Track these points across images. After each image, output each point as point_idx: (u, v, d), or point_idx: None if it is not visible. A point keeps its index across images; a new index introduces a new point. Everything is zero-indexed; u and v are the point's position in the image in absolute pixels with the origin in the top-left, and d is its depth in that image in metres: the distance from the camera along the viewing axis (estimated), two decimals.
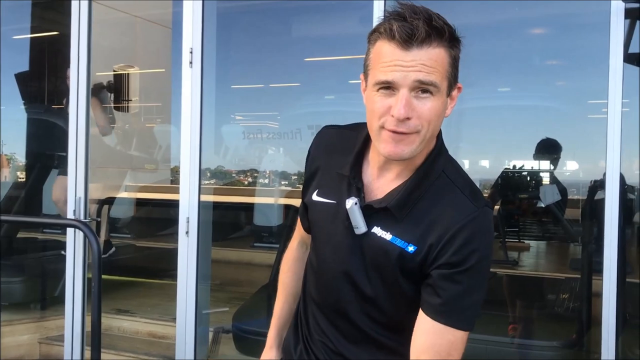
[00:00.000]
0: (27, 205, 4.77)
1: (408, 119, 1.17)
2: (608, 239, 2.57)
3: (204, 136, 3.35)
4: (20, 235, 4.89)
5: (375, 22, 2.87)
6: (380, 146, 1.23)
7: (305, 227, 1.51)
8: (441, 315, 1.23)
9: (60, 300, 3.77)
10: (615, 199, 2.57)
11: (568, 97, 4.93)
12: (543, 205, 4.97)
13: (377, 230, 1.28)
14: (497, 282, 4.46)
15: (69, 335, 3.60)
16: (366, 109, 1.25)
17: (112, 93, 5.28)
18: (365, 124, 1.31)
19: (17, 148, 5.33)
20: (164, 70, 6.18)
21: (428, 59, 1.16)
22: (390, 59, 1.16)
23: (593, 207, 3.87)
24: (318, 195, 1.39)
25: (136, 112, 5.75)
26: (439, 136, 1.31)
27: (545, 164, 5.40)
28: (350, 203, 1.29)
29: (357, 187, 1.31)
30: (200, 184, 3.33)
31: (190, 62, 3.31)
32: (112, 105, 5.28)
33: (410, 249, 1.24)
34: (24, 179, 5.12)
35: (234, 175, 6.88)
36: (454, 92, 1.25)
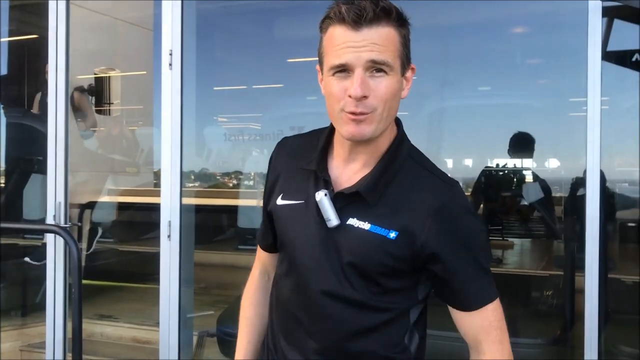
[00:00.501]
0: (7, 210, 4.70)
1: (365, 97, 1.19)
2: (590, 235, 2.58)
3: (185, 138, 3.33)
4: None
5: None
6: (343, 129, 1.25)
7: (269, 242, 1.49)
8: (471, 303, 1.28)
9: (41, 307, 3.73)
10: (595, 196, 2.59)
11: (548, 95, 4.96)
12: (527, 203, 5.00)
13: (353, 221, 1.26)
14: None
15: (51, 342, 3.56)
16: (325, 97, 1.27)
17: (93, 96, 5.24)
18: (323, 128, 1.37)
19: None
20: (145, 72, 6.13)
21: (379, 38, 1.19)
22: (342, 41, 1.19)
23: (574, 204, 3.90)
24: (283, 199, 1.37)
25: (118, 115, 5.70)
26: (400, 125, 1.35)
27: (528, 162, 5.44)
28: (320, 195, 1.27)
29: (324, 180, 1.30)
30: (181, 187, 3.30)
31: (170, 64, 3.28)
32: (94, 108, 5.24)
33: (392, 235, 1.23)
34: (4, 184, 5.05)
35: (218, 177, 6.84)
36: (409, 74, 1.28)
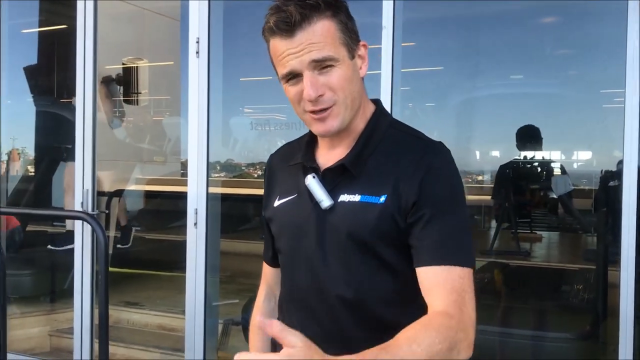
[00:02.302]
0: (36, 198, 4.77)
1: (320, 96, 1.21)
2: (626, 228, 2.51)
3: (212, 128, 3.33)
4: (29, 228, 4.90)
5: (384, 15, 2.84)
6: (312, 128, 1.28)
7: (272, 254, 1.47)
8: (442, 257, 1.18)
9: (69, 293, 3.77)
10: (633, 189, 2.51)
11: (581, 85, 4.86)
12: (555, 196, 4.92)
13: (344, 197, 1.26)
14: (510, 274, 4.42)
15: (78, 328, 3.60)
16: (290, 102, 1.27)
17: (121, 86, 5.27)
18: (309, 132, 1.38)
19: (27, 142, 5.32)
20: (172, 63, 6.16)
21: (314, 36, 1.19)
22: (282, 51, 1.20)
23: (606, 197, 3.81)
24: (279, 200, 1.38)
25: (145, 104, 5.74)
26: (379, 104, 1.36)
27: (556, 154, 5.34)
28: (309, 178, 1.29)
29: (312, 167, 1.32)
30: (208, 175, 3.31)
31: (197, 52, 3.28)
32: (122, 98, 5.28)
33: (382, 199, 1.23)
34: (34, 173, 5.12)
35: (243, 167, 6.86)
36: (361, 51, 1.28)
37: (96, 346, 3.48)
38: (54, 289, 4.47)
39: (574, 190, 4.85)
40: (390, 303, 1.26)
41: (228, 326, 3.69)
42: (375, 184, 1.25)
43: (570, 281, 4.28)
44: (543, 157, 4.97)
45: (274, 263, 1.49)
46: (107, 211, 4.34)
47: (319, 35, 1.19)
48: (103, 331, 2.77)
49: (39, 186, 4.84)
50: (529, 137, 4.56)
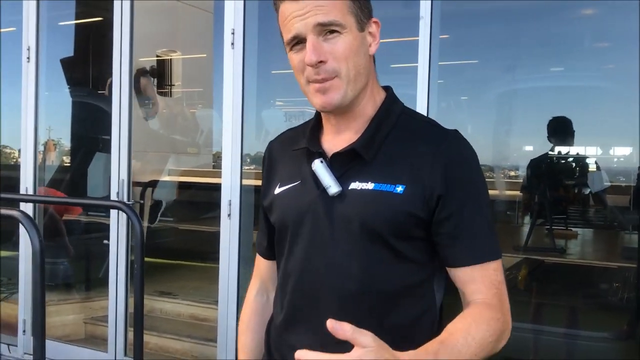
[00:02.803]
0: (72, 187, 4.85)
1: (323, 62, 1.15)
2: None
3: (246, 118, 3.33)
4: (65, 217, 4.98)
5: (422, 6, 2.80)
6: (313, 101, 1.20)
7: (267, 246, 1.40)
8: (478, 257, 1.17)
9: (104, 282, 3.83)
10: None
11: (620, 79, 4.74)
12: (592, 192, 4.81)
13: (355, 185, 1.19)
14: (545, 271, 4.35)
15: (113, 316, 3.66)
16: (294, 74, 1.22)
17: (155, 78, 5.32)
18: (310, 119, 1.33)
19: (63, 133, 5.41)
20: (205, 55, 6.19)
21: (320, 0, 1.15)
22: (289, 14, 1.16)
23: None
24: (280, 187, 1.30)
25: (178, 96, 5.78)
26: (390, 91, 1.30)
27: (592, 150, 5.22)
28: (316, 163, 1.21)
29: (318, 152, 1.24)
30: (242, 167, 3.32)
31: (232, 43, 3.28)
32: (155, 89, 5.33)
33: (399, 189, 1.16)
34: (69, 163, 5.20)
35: None
36: (372, 28, 1.23)
37: (130, 334, 3.54)
38: (89, 277, 4.55)
39: (611, 187, 4.74)
40: (396, 297, 1.20)
41: None
42: (389, 172, 1.18)
43: (608, 279, 4.19)
44: (578, 153, 4.87)
45: (269, 255, 1.41)
46: (142, 201, 4.39)
47: None
48: (138, 320, 2.81)
49: (75, 176, 4.91)
50: (560, 128, 4.46)
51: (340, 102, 1.19)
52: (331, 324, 0.92)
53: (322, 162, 1.21)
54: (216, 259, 3.38)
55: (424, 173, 1.16)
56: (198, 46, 6.22)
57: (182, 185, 5.57)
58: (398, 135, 1.22)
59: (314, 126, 1.30)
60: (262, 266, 1.45)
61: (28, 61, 3.97)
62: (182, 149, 5.88)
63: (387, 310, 1.20)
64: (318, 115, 1.31)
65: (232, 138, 3.31)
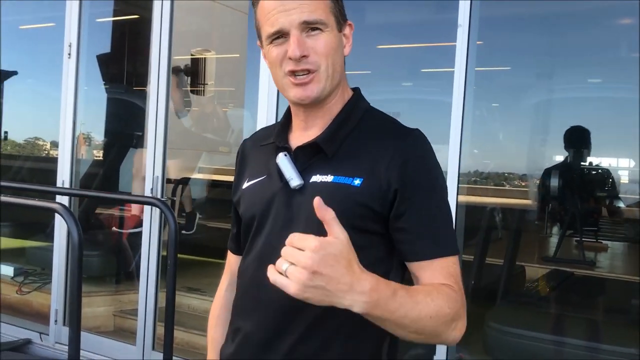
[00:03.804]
0: (105, 182, 4.93)
1: (305, 57, 1.20)
2: None
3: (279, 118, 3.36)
4: (97, 211, 5.08)
5: (460, 13, 2.80)
6: (290, 93, 1.24)
7: (237, 241, 1.42)
8: (436, 251, 1.19)
9: (134, 276, 3.89)
10: None
11: None
12: (623, 205, 4.75)
13: (316, 178, 1.22)
14: (573, 284, 4.30)
15: (142, 310, 3.71)
16: (269, 67, 1.27)
17: (189, 76, 5.39)
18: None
19: (94, 128, 5.50)
20: (238, 55, 6.25)
21: None
22: (273, 8, 1.20)
23: None
24: (248, 182, 1.34)
25: (211, 95, 5.85)
26: (358, 91, 1.34)
27: (624, 162, 5.14)
28: (280, 156, 1.25)
29: (284, 147, 1.28)
30: None
31: None
32: (189, 88, 5.39)
33: (357, 182, 1.19)
34: (101, 158, 5.29)
35: None
36: (347, 30, 1.28)
37: (159, 329, 3.59)
38: (119, 271, 4.62)
39: None
40: None
41: None
42: (349, 165, 1.21)
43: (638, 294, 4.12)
44: (610, 164, 4.81)
45: (237, 250, 1.44)
46: (174, 198, 4.45)
47: None
48: (169, 315, 2.85)
49: (108, 171, 5.00)
50: (576, 138, 4.42)
51: (317, 96, 1.23)
52: (317, 202, 0.99)
53: (285, 155, 1.25)
54: None
55: (383, 167, 1.19)
56: (232, 46, 6.28)
57: (213, 184, 5.63)
58: (361, 132, 1.26)
59: (284, 123, 1.34)
60: (232, 261, 1.47)
61: (69, 57, 4.05)
62: (214, 147, 5.94)
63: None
64: (288, 113, 1.35)
65: None
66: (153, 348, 3.68)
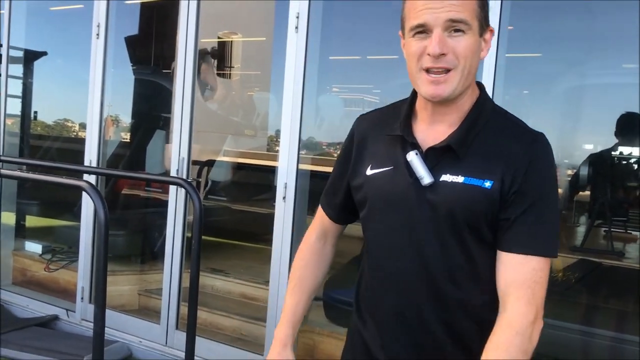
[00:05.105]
0: (132, 163, 4.98)
1: (443, 55, 1.24)
2: None
3: (305, 103, 3.35)
4: (124, 192, 5.13)
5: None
6: (422, 89, 1.29)
7: (338, 212, 1.54)
8: (527, 247, 1.26)
9: (159, 255, 3.93)
10: None
11: None
12: None
13: (446, 177, 1.29)
14: (600, 274, 4.23)
15: (167, 290, 3.76)
16: (406, 59, 1.32)
17: (215, 59, 5.40)
18: (402, 100, 1.43)
19: (122, 110, 5.55)
20: (264, 39, 6.23)
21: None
22: (422, 4, 1.25)
23: None
24: (372, 169, 1.40)
25: (237, 79, 5.85)
26: (483, 88, 1.39)
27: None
28: (412, 155, 1.31)
29: (411, 142, 1.34)
30: (299, 151, 3.34)
31: (296, 27, 3.29)
32: (215, 71, 5.40)
33: (487, 184, 1.27)
34: (128, 140, 5.34)
35: (324, 147, 6.87)
36: (487, 35, 1.32)
37: (182, 308, 3.64)
38: (144, 251, 4.68)
39: None
40: (468, 279, 1.32)
41: None
42: (479, 167, 1.28)
43: None
44: None
45: (337, 220, 1.56)
46: (199, 179, 4.48)
47: (462, 0, 1.25)
48: (193, 295, 2.87)
49: (135, 152, 5.04)
50: (630, 125, 4.31)
51: (448, 96, 1.28)
52: None
53: (417, 154, 1.31)
54: (268, 240, 3.42)
55: (511, 171, 1.27)
56: (258, 29, 6.26)
57: (238, 166, 5.65)
58: (489, 133, 1.32)
59: (408, 113, 1.39)
60: (327, 222, 1.58)
61: (97, 38, 4.08)
62: (239, 130, 5.95)
63: (455, 291, 1.32)
64: (412, 102, 1.39)
65: (291, 122, 3.33)
66: (177, 327, 3.73)
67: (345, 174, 1.48)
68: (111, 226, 4.31)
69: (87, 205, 4.06)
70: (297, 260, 1.59)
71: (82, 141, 4.31)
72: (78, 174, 3.85)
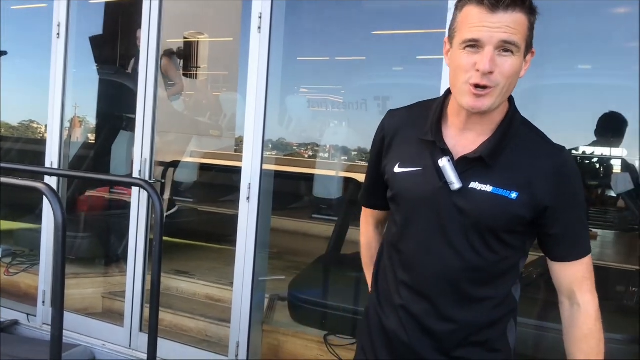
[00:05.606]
0: (96, 164, 4.91)
1: (491, 73, 1.32)
2: None
3: (269, 104, 3.34)
4: (88, 193, 5.06)
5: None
6: (463, 100, 1.37)
7: (378, 202, 1.63)
8: (578, 253, 1.45)
9: (123, 258, 3.88)
10: None
11: None
12: (614, 195, 4.75)
13: (475, 185, 1.39)
14: None
15: (130, 292, 3.72)
16: (450, 67, 1.40)
17: (181, 59, 5.36)
18: (430, 100, 1.52)
19: (89, 110, 5.47)
20: (232, 39, 6.21)
21: (512, 22, 1.32)
22: (478, 20, 1.32)
23: None
24: (400, 167, 1.49)
25: (204, 79, 5.82)
26: (512, 101, 1.47)
27: (617, 151, 5.13)
28: (444, 161, 1.40)
29: (442, 148, 1.42)
30: (263, 151, 3.34)
31: (259, 28, 3.29)
32: (181, 71, 5.36)
33: (513, 195, 1.37)
34: (94, 141, 5.27)
35: (294, 148, 6.87)
36: (528, 57, 1.41)
37: (146, 311, 3.60)
38: (108, 254, 4.62)
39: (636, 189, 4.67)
40: (489, 279, 1.45)
41: (274, 301, 3.74)
42: (507, 178, 1.39)
43: (626, 282, 4.14)
44: (602, 153, 4.80)
45: (382, 208, 1.66)
46: (163, 180, 4.44)
47: (516, 23, 1.32)
48: (155, 297, 2.85)
49: (99, 153, 4.97)
50: (613, 126, 4.42)
51: (487, 109, 1.37)
52: None
53: (449, 161, 1.40)
54: (233, 242, 3.41)
55: (538, 184, 1.39)
56: (225, 30, 6.24)
57: (203, 167, 5.62)
58: (517, 145, 1.42)
59: (438, 117, 1.47)
60: (377, 213, 1.71)
61: (58, 37, 4.02)
62: (205, 131, 5.91)
63: (477, 290, 1.45)
64: (442, 105, 1.48)
65: (254, 122, 3.33)
66: (140, 330, 3.69)
67: (380, 166, 1.56)
68: (76, 228, 4.25)
69: (48, 207, 3.99)
70: (365, 258, 1.76)
71: (45, 142, 4.23)
72: (40, 176, 3.78)
